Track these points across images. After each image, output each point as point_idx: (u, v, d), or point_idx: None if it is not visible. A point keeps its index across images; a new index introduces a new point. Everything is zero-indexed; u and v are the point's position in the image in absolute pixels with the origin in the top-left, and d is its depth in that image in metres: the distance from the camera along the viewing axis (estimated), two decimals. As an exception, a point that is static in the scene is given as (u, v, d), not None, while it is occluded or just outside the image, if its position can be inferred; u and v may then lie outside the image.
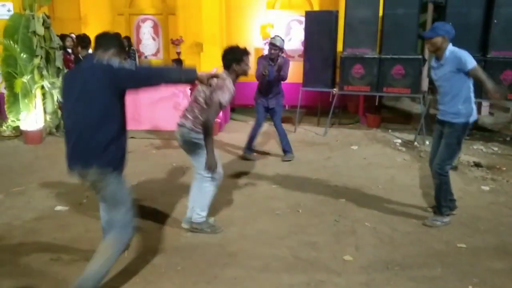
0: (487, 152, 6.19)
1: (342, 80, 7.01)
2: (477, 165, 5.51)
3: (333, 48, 7.31)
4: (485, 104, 8.09)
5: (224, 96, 3.38)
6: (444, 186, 3.83)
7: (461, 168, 5.38)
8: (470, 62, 3.53)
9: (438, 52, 3.69)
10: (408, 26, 6.57)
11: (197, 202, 3.66)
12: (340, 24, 7.24)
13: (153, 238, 3.61)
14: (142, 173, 5.15)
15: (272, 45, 5.52)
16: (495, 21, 6.27)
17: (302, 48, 8.18)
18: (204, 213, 3.66)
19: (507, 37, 6.26)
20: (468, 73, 3.55)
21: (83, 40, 7.05)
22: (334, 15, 7.25)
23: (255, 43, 8.81)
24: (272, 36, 5.73)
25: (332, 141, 6.79)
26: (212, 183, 3.63)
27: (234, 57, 3.54)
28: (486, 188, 4.80)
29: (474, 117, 3.70)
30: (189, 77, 2.89)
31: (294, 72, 8.34)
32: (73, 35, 7.94)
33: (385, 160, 5.81)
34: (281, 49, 5.55)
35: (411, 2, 6.68)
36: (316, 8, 8.94)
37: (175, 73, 2.89)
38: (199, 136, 3.44)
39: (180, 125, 3.54)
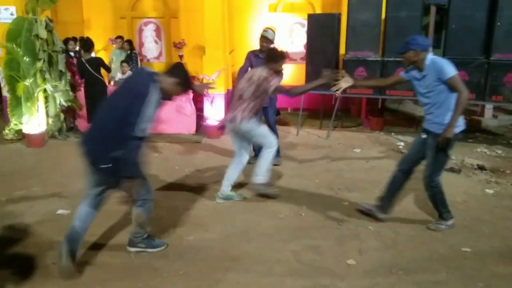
0: (491, 155, 6.15)
1: (345, 83, 6.98)
2: (481, 168, 5.48)
3: (335, 51, 7.29)
4: (489, 106, 8.05)
5: (274, 81, 4.22)
6: (438, 195, 3.75)
7: (465, 171, 5.35)
8: (449, 72, 3.40)
9: (416, 65, 3.59)
10: (411, 29, 6.51)
11: (259, 167, 4.38)
12: (343, 27, 7.23)
13: (155, 242, 3.58)
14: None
15: (263, 37, 5.47)
16: (499, 23, 6.24)
17: (304, 51, 8.17)
18: (266, 175, 4.38)
19: (511, 40, 6.23)
20: (446, 83, 3.41)
21: (85, 43, 7.05)
22: (336, 18, 7.24)
23: (257, 46, 8.79)
24: (264, 29, 5.65)
25: (335, 144, 6.77)
26: (274, 150, 4.40)
27: (274, 56, 4.33)
28: (490, 191, 4.77)
29: (461, 127, 3.54)
30: None
31: (297, 75, 8.37)
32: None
33: (388, 163, 5.77)
34: (272, 42, 5.53)
35: (414, 5, 6.66)
36: (318, 11, 8.94)
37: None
38: (249, 124, 4.24)
39: (231, 121, 4.31)
